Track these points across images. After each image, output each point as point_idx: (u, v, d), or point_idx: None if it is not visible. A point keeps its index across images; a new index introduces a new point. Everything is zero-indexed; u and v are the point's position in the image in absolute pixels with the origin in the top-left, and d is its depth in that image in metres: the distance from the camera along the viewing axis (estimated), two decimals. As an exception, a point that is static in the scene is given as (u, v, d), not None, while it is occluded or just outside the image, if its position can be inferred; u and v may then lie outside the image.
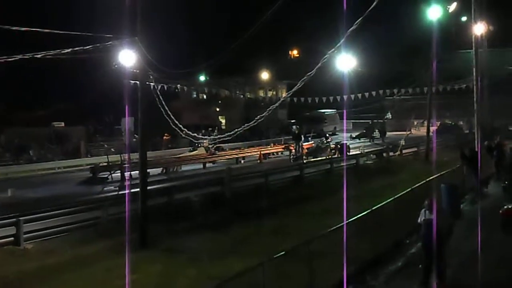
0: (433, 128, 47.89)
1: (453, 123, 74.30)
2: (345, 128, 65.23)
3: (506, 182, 27.33)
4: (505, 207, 20.01)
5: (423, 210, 15.36)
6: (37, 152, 52.41)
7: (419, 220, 15.47)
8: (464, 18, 61.34)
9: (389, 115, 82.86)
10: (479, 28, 33.44)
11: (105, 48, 22.06)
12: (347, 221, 15.58)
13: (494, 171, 31.04)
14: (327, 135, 56.46)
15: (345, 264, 13.72)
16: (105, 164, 39.82)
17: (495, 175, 30.74)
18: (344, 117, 67.20)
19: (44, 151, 53.47)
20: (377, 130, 67.40)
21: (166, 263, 18.15)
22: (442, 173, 26.21)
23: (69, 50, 21.68)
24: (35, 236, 21.23)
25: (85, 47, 21.79)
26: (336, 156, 45.89)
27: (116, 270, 17.06)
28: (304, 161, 43.40)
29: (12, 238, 20.63)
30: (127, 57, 22.60)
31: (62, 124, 67.01)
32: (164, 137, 57.25)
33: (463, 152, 29.45)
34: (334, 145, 50.05)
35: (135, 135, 37.73)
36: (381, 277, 16.03)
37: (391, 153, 47.57)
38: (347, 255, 14.17)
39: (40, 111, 74.45)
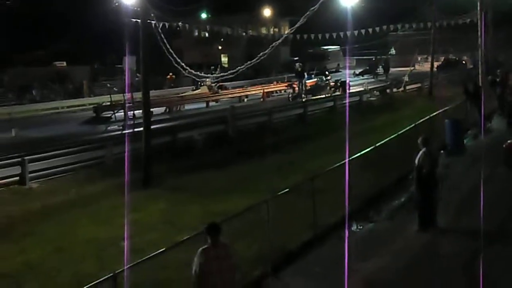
0: (437, 64, 47.60)
1: (457, 58, 73.75)
2: (347, 64, 64.58)
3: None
4: (509, 141, 19.99)
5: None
6: (40, 92, 52.27)
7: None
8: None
9: (392, 51, 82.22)
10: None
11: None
12: (350, 158, 15.61)
13: (497, 106, 31.02)
14: (327, 72, 55.94)
15: (346, 200, 13.79)
16: (108, 103, 39.73)
17: (498, 110, 30.72)
18: (347, 54, 66.48)
19: (47, 91, 53.32)
20: (380, 67, 66.87)
21: (170, 201, 18.25)
22: (445, 108, 26.14)
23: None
24: (40, 175, 21.44)
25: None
26: (338, 93, 45.69)
27: (120, 209, 17.12)
28: (303, 100, 43.20)
29: (17, 178, 20.86)
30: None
31: (64, 63, 66.63)
32: (168, 76, 56.94)
33: (467, 87, 29.34)
34: (333, 83, 49.70)
35: (137, 74, 37.44)
36: (384, 212, 16.20)
37: (394, 90, 47.37)
38: (349, 191, 14.26)
39: (40, 51, 73.91)
